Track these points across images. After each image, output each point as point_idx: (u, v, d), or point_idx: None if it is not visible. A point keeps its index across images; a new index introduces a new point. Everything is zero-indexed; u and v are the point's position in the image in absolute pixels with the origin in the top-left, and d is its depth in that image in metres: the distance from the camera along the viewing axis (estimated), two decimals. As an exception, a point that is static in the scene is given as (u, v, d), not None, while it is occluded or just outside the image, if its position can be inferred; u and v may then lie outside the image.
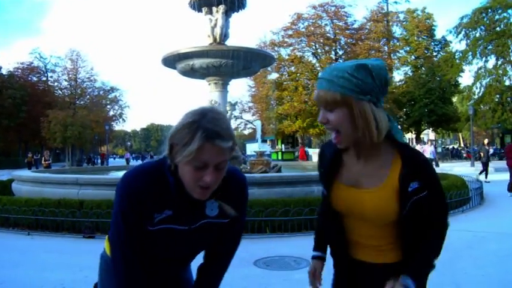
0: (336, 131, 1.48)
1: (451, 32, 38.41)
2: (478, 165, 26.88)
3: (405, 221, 1.50)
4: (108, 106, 52.98)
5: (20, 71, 47.95)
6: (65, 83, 49.13)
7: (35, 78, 50.09)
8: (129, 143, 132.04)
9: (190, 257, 1.74)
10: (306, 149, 36.85)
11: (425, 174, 1.49)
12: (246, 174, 9.74)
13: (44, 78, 51.18)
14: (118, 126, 60.43)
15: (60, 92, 49.97)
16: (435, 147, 25.29)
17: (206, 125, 1.34)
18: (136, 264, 1.52)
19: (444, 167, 23.44)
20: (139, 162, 27.31)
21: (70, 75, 47.64)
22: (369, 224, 1.57)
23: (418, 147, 21.54)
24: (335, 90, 1.42)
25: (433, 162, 21.87)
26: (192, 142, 1.33)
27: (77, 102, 48.13)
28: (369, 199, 1.51)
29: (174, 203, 1.50)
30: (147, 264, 1.57)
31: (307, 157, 33.74)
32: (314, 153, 42.56)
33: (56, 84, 50.30)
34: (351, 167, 1.58)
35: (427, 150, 20.84)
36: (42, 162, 26.11)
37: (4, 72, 45.50)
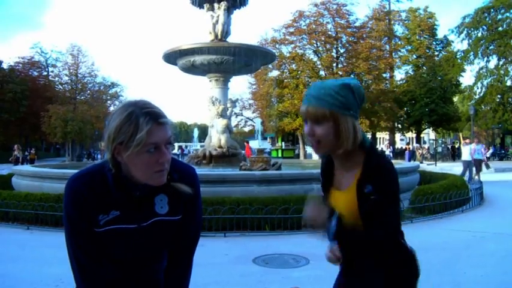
0: (318, 142, 1.65)
1: (453, 31, 38.33)
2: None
3: (363, 220, 1.66)
4: (109, 102, 52.86)
5: (20, 65, 47.96)
6: (65, 78, 48.88)
7: (35, 73, 50.14)
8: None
9: (151, 258, 1.67)
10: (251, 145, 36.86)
11: (377, 179, 1.62)
12: (246, 172, 9.68)
13: (45, 73, 51.20)
14: (118, 122, 60.35)
15: (60, 86, 49.82)
16: (484, 147, 19.81)
17: (144, 111, 1.40)
18: (91, 265, 1.51)
19: (444, 167, 23.43)
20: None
21: (71, 70, 47.43)
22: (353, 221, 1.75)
23: (463, 148, 18.14)
24: (324, 106, 1.61)
25: (483, 164, 17.73)
26: (139, 129, 1.36)
27: (78, 97, 47.90)
28: (341, 199, 1.74)
29: (120, 203, 1.49)
30: (107, 265, 1.55)
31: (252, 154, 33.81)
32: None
33: (56, 79, 50.12)
34: (336, 173, 1.81)
35: (473, 150, 17.00)
36: (10, 159, 24.54)
37: (5, 66, 45.51)
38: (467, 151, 17.02)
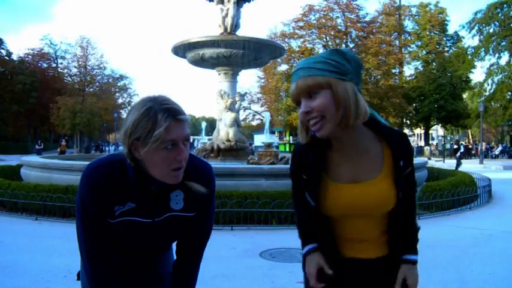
0: (321, 117, 1.39)
1: (463, 27, 37.90)
2: (487, 163, 26.74)
3: (399, 204, 1.51)
4: (117, 94, 53.13)
5: (30, 57, 48.25)
6: (74, 70, 49.17)
7: (45, 65, 50.41)
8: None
9: (160, 249, 1.71)
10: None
11: (409, 151, 1.53)
12: (254, 165, 9.65)
13: (54, 65, 51.45)
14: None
15: (69, 78, 50.11)
16: None
17: (163, 107, 1.38)
18: (100, 254, 1.50)
19: (452, 164, 23.29)
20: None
21: (80, 62, 47.63)
22: (365, 218, 1.54)
23: None
24: (315, 74, 1.38)
25: None
26: (157, 126, 1.35)
27: (86, 89, 48.16)
28: (372, 192, 1.47)
29: (136, 196, 1.49)
30: (115, 254, 1.55)
31: None
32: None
33: (65, 70, 50.44)
34: (342, 164, 1.52)
35: None
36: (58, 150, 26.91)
37: (15, 58, 45.85)
38: None
